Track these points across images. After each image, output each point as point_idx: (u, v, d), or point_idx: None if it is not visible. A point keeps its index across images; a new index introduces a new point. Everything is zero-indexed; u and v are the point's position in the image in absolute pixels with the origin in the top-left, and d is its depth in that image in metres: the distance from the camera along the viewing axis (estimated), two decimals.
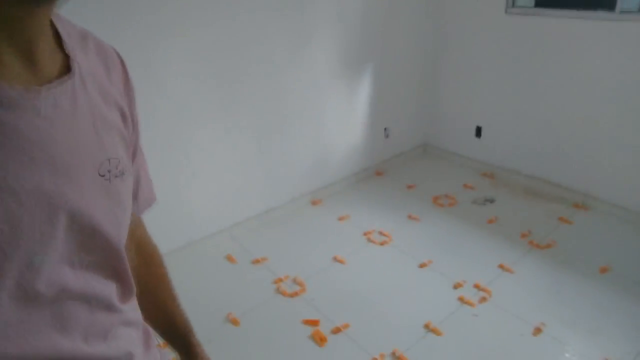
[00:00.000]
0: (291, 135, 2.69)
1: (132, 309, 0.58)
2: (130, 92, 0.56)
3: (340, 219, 2.77)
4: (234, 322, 2.00)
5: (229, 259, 2.42)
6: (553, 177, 2.95)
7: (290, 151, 2.73)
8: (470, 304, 2.07)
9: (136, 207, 0.64)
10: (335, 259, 2.40)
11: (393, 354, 1.83)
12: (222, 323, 2.00)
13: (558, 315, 1.99)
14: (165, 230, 2.30)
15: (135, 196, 0.62)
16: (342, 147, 3.03)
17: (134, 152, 0.59)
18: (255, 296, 2.16)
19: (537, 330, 1.91)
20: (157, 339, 0.68)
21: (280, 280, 2.26)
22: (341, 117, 2.94)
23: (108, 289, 0.51)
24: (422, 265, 2.33)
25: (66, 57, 0.47)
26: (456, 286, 2.18)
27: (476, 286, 2.18)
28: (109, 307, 0.51)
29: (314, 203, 2.94)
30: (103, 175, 0.47)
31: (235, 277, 2.30)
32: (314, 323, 1.99)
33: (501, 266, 2.32)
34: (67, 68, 0.46)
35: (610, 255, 2.36)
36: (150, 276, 0.72)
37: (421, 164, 3.48)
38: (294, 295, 2.16)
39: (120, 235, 0.51)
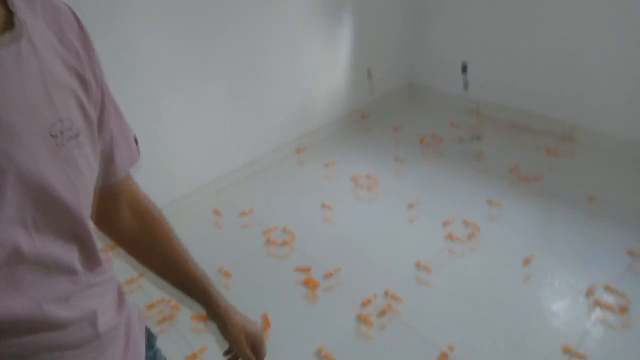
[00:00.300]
0: (270, 82, 2.58)
1: (100, 274, 0.56)
2: (88, 50, 0.53)
3: (327, 165, 2.72)
4: (227, 275, 2.00)
5: (216, 213, 2.39)
6: (540, 110, 2.90)
7: (270, 99, 2.63)
8: (460, 240, 2.09)
9: (114, 168, 0.61)
10: (323, 206, 2.38)
11: (385, 293, 1.85)
12: (215, 277, 1.99)
13: (547, 247, 2.02)
14: (149, 190, 2.24)
15: (111, 158, 0.60)
16: (325, 91, 2.93)
17: (102, 112, 0.56)
18: (246, 248, 2.14)
19: (527, 262, 1.94)
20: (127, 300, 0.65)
21: (270, 230, 2.24)
22: (321, 60, 2.82)
23: (71, 254, 0.50)
24: (410, 206, 2.32)
25: (10, 14, 0.45)
26: (445, 224, 2.19)
27: (465, 222, 2.18)
28: (70, 272, 0.50)
29: (298, 151, 2.88)
30: (55, 136, 0.46)
31: (223, 230, 2.28)
32: (306, 270, 1.99)
33: (490, 202, 2.32)
34: (11, 26, 0.44)
35: (597, 185, 2.37)
36: (152, 234, 0.71)
37: (406, 104, 3.40)
38: (284, 244, 2.15)
39: (78, 199, 0.49)
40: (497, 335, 1.65)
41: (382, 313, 1.77)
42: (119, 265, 2.01)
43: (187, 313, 1.80)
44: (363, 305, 1.81)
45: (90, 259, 0.54)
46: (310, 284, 1.92)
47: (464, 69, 3.16)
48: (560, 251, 1.99)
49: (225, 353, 0.81)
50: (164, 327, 1.77)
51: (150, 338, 0.71)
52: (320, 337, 1.69)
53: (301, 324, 1.76)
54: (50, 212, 0.46)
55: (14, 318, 0.43)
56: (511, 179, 2.48)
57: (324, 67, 2.85)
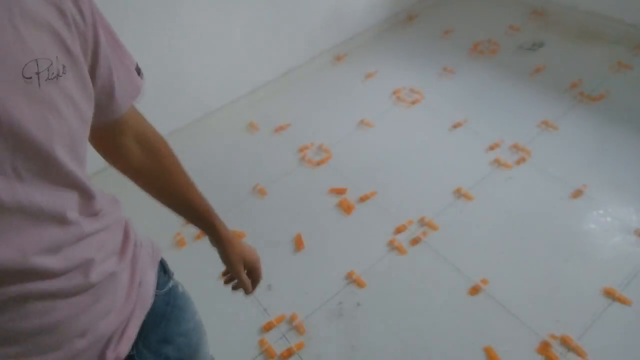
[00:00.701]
0: None
1: (99, 219, 0.56)
2: None
3: (367, 76, 2.53)
4: (261, 193, 1.99)
5: (252, 126, 2.32)
6: (616, 12, 2.49)
7: (306, 2, 2.37)
8: (506, 166, 1.95)
9: (116, 103, 0.59)
10: (362, 122, 2.25)
11: (421, 220, 1.80)
12: (249, 194, 1.99)
13: (602, 177, 1.86)
14: (181, 104, 2.18)
15: (111, 93, 0.57)
16: None
17: (96, 46, 0.52)
18: (280, 165, 2.11)
19: (577, 193, 1.81)
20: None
21: (305, 147, 2.17)
22: None
23: (62, 202, 0.48)
24: (455, 125, 2.16)
25: None
26: (492, 147, 2.04)
27: (514, 146, 2.02)
28: (62, 221, 0.49)
29: (337, 59, 2.68)
30: (29, 78, 0.43)
31: (258, 146, 2.23)
32: (340, 192, 1.95)
33: (544, 122, 2.12)
34: None
35: None
36: (159, 167, 0.72)
37: (461, 3, 3.02)
38: (319, 163, 2.09)
39: (60, 145, 0.46)
40: (535, 272, 1.59)
41: (416, 241, 1.73)
42: None
43: None
44: (397, 231, 1.78)
45: (87, 206, 0.53)
46: (344, 206, 1.89)
47: None
48: (617, 183, 1.83)
49: (224, 273, 0.89)
50: (200, 242, 1.81)
51: (165, 273, 0.74)
52: (351, 261, 1.70)
53: (333, 246, 1.77)
54: (32, 159, 0.44)
55: None
56: (572, 96, 2.22)
57: None
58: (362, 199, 1.91)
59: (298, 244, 1.78)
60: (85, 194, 0.52)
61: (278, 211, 1.92)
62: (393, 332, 1.49)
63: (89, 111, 0.51)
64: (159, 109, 2.10)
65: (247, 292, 0.86)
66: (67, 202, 0.49)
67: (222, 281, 0.90)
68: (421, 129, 2.19)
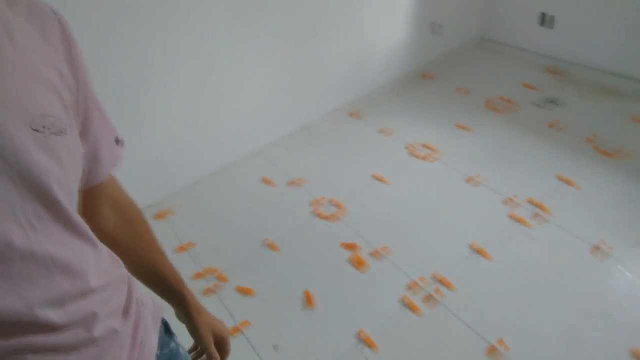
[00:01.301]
0: (324, 38, 2.42)
1: (106, 275, 0.56)
2: (72, 52, 0.53)
3: (382, 131, 2.57)
4: (272, 247, 1.98)
5: (265, 181, 2.36)
6: (631, 70, 2.51)
7: (324, 58, 2.48)
8: (523, 222, 1.91)
9: (99, 170, 0.61)
10: (375, 177, 2.26)
11: (434, 276, 1.75)
12: (260, 247, 1.99)
13: (624, 234, 1.79)
14: (197, 156, 2.25)
15: (96, 159, 0.60)
16: (383, 48, 2.72)
17: (87, 114, 0.55)
18: (293, 219, 2.11)
19: (596, 250, 1.74)
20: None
21: (317, 201, 2.18)
22: (380, 12, 2.59)
23: (68, 251, 0.49)
24: (470, 180, 2.15)
25: None
26: (507, 202, 2.00)
27: (530, 201, 1.99)
28: (71, 273, 0.49)
29: (352, 115, 2.74)
30: (36, 130, 0.45)
31: (272, 199, 2.25)
32: (352, 247, 1.93)
33: (560, 178, 2.08)
34: None
35: None
36: (132, 234, 0.73)
37: (475, 61, 3.10)
38: (331, 217, 2.08)
39: (65, 196, 0.48)
40: (555, 332, 1.51)
41: (429, 298, 1.68)
42: (168, 232, 2.06)
43: (232, 285, 1.83)
44: (409, 287, 1.73)
45: (93, 258, 0.54)
46: (355, 262, 1.86)
47: (543, 20, 2.79)
48: (638, 239, 1.75)
49: (190, 350, 0.85)
50: (208, 299, 1.80)
51: (166, 333, 0.74)
52: (361, 319, 1.65)
53: (343, 303, 1.72)
54: (41, 205, 0.45)
55: (2, 317, 0.43)
56: (587, 151, 2.20)
57: (383, 20, 2.62)
58: (374, 255, 1.88)
59: (307, 300, 1.75)
60: (91, 246, 0.53)
61: (288, 266, 1.90)
62: None
63: (81, 170, 0.53)
64: (174, 163, 2.18)
65: None
66: (75, 253, 0.50)
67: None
68: (435, 184, 2.18)
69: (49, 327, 0.47)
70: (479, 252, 1.81)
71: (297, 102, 2.50)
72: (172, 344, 0.73)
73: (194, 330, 0.78)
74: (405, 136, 2.50)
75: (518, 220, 1.91)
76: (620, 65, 2.54)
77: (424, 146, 2.40)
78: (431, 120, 2.60)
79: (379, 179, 2.25)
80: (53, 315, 0.47)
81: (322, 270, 1.86)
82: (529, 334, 1.52)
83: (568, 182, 2.05)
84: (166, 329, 0.74)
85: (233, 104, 2.24)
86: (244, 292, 1.79)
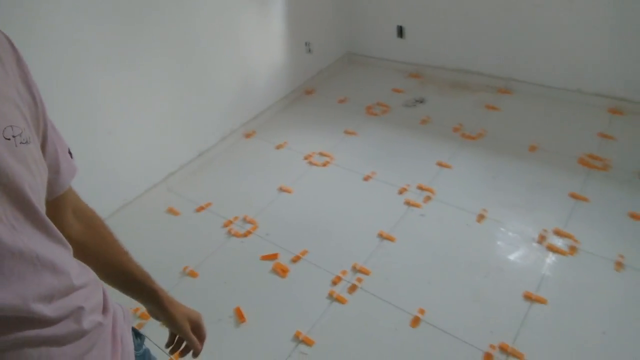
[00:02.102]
0: (209, 68, 2.48)
1: (85, 274, 0.60)
2: (23, 69, 0.56)
3: (278, 147, 2.69)
4: (192, 274, 1.96)
5: (172, 211, 2.31)
6: (477, 67, 2.99)
7: (211, 86, 2.53)
8: (417, 205, 2.15)
9: (60, 180, 0.64)
10: (281, 189, 2.36)
11: (354, 267, 1.89)
12: (180, 277, 1.95)
13: (497, 200, 2.12)
14: (95, 197, 2.12)
15: (57, 170, 0.62)
16: (265, 70, 2.86)
17: (44, 127, 0.58)
18: (209, 243, 2.10)
19: (481, 218, 2.04)
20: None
21: (230, 222, 2.21)
22: (259, 39, 2.73)
23: (49, 250, 0.51)
24: (366, 178, 2.36)
25: None
26: (401, 191, 2.24)
27: (419, 187, 2.25)
28: (55, 270, 0.52)
29: (247, 136, 2.82)
30: (8, 139, 0.48)
31: (183, 228, 2.22)
32: (272, 257, 1.99)
33: (439, 163, 2.39)
34: None
35: (537, 133, 2.51)
36: (96, 238, 0.75)
37: (348, 74, 3.40)
38: (247, 234, 2.13)
39: (30, 194, 0.50)
40: (463, 292, 1.74)
41: (353, 288, 1.81)
42: None
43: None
44: (333, 283, 1.84)
45: (69, 259, 0.56)
46: (278, 270, 1.92)
47: (400, 32, 3.18)
48: (510, 203, 2.10)
49: (167, 345, 0.88)
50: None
51: (138, 338, 0.76)
52: (296, 321, 1.71)
53: (275, 311, 1.77)
54: (18, 208, 0.47)
55: (1, 312, 0.45)
56: (456, 138, 2.56)
57: (261, 45, 2.77)
58: (295, 260, 1.96)
59: (239, 316, 1.76)
60: (65, 249, 0.56)
61: (213, 288, 1.89)
62: None
63: (46, 179, 0.56)
64: None
65: (196, 350, 0.86)
66: (54, 252, 0.53)
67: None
68: (337, 186, 2.35)
69: (44, 321, 0.50)
70: (387, 238, 2.00)
71: (191, 130, 2.51)
72: (144, 347, 0.76)
73: (171, 321, 0.80)
74: (301, 148, 2.64)
75: (413, 205, 2.15)
76: (468, 64, 3.01)
77: (320, 154, 2.57)
78: (321, 130, 2.80)
79: (286, 191, 2.35)
80: (46, 309, 0.49)
81: (248, 285, 1.89)
82: (442, 299, 1.72)
83: (446, 166, 2.37)
84: (136, 333, 0.76)
85: (123, 140, 2.18)
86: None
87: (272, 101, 2.99)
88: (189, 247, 2.10)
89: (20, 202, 0.48)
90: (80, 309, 0.56)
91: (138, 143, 2.25)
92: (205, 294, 1.87)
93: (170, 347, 0.88)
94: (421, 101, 2.95)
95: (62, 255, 0.54)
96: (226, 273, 1.96)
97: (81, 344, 0.55)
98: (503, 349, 1.52)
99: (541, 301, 1.66)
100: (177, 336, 0.86)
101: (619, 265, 1.75)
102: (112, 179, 2.18)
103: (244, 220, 2.21)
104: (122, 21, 1.99)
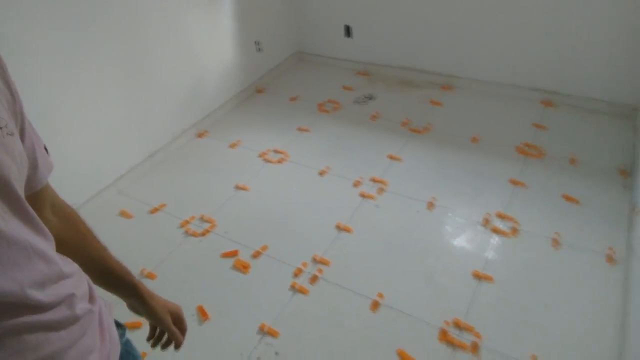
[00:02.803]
0: (157, 68, 2.44)
1: (67, 263, 0.61)
2: (1, 66, 0.56)
3: (233, 145, 2.69)
4: (150, 276, 1.93)
5: (124, 214, 2.26)
6: (421, 65, 3.14)
7: (160, 87, 2.49)
8: (371, 197, 2.24)
9: (39, 175, 0.64)
10: (237, 187, 2.37)
11: (314, 259, 1.94)
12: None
13: (444, 188, 2.25)
14: None
15: (36, 165, 0.62)
16: (215, 69, 2.85)
17: (22, 122, 0.58)
18: (166, 244, 2.08)
19: (430, 205, 2.16)
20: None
21: (187, 222, 2.19)
22: (208, 38, 2.72)
23: (38, 239, 0.53)
24: (321, 173, 2.42)
25: None
26: (356, 184, 2.32)
27: (373, 180, 2.34)
28: (46, 258, 0.53)
29: (200, 136, 2.80)
30: None
31: (137, 231, 2.17)
32: (232, 254, 2.00)
33: (390, 156, 2.50)
34: None
35: (478, 125, 2.67)
36: (74, 233, 0.74)
37: (298, 73, 3.45)
38: (205, 233, 2.12)
39: (16, 184, 0.51)
40: (417, 275, 1.84)
41: (314, 279, 1.86)
42: None
43: None
44: (295, 275, 1.88)
45: (54, 249, 0.58)
46: (239, 266, 1.94)
47: (348, 32, 3.27)
48: (456, 190, 2.23)
49: (148, 338, 0.89)
50: None
51: (119, 328, 0.77)
52: (260, 315, 1.74)
53: (239, 306, 1.79)
54: (9, 201, 0.48)
55: (0, 297, 0.46)
56: (404, 132, 2.68)
57: (211, 44, 2.76)
58: (255, 255, 1.99)
59: (202, 314, 1.76)
60: (49, 240, 0.56)
61: (173, 289, 1.87)
62: None
63: (26, 172, 0.56)
64: None
65: (178, 342, 0.87)
66: (42, 241, 0.54)
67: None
68: (293, 181, 2.40)
69: (40, 307, 0.51)
70: (344, 229, 2.07)
71: (141, 132, 2.46)
72: (126, 335, 0.77)
73: (152, 314, 0.81)
74: (256, 146, 2.66)
75: (367, 197, 2.24)
76: (413, 62, 3.15)
77: (275, 151, 2.61)
78: (274, 128, 2.83)
79: (242, 188, 2.36)
80: (40, 295, 0.51)
81: (209, 283, 1.89)
82: (398, 283, 1.81)
83: (397, 159, 2.47)
84: (117, 324, 0.76)
85: (69, 143, 2.11)
86: (134, 327, 1.71)
87: (223, 100, 2.98)
88: (145, 249, 2.06)
89: (7, 194, 0.49)
90: (72, 295, 0.57)
91: (85, 146, 2.18)
92: (164, 294, 1.82)
93: (152, 341, 0.88)
94: (370, 98, 3.06)
95: (48, 245, 0.56)
96: (186, 273, 1.95)
97: (75, 330, 0.57)
98: (456, 324, 1.63)
99: (488, 279, 1.79)
100: (158, 330, 0.87)
101: (556, 242, 1.92)
102: (57, 183, 2.10)
103: (201, 219, 2.20)
104: (69, 24, 1.93)
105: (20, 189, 0.51)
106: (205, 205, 2.27)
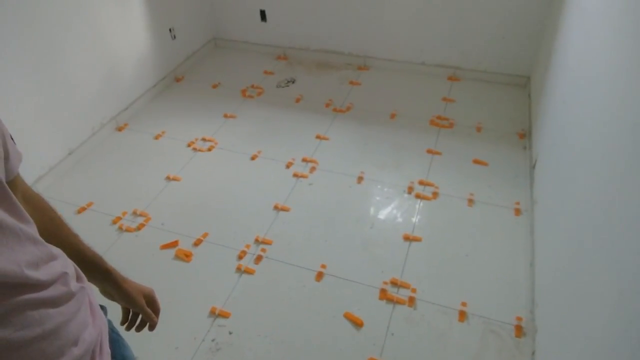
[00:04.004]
0: (68, 62, 2.30)
1: (53, 246, 0.63)
2: None
3: (158, 137, 2.63)
4: None
5: None
6: (337, 47, 3.26)
7: (72, 81, 2.36)
8: (304, 176, 2.33)
9: (10, 165, 0.66)
10: (169, 178, 2.34)
11: (256, 240, 2.00)
12: None
13: (370, 162, 2.41)
14: None
15: (7, 155, 0.63)
16: (130, 60, 2.74)
17: None
18: (100, 242, 2.01)
19: (360, 179, 2.30)
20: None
21: (119, 218, 2.13)
22: (120, 28, 2.60)
23: (25, 224, 0.55)
24: (253, 157, 2.46)
25: None
26: (288, 165, 2.40)
27: (304, 160, 2.43)
28: (35, 241, 0.56)
29: (120, 129, 2.70)
30: None
31: None
32: (173, 245, 2.00)
33: (318, 136, 2.60)
34: None
35: (394, 102, 2.86)
36: (46, 221, 0.76)
37: (217, 59, 3.41)
38: (140, 227, 2.08)
39: (3, 179, 0.54)
40: (354, 243, 1.98)
41: (259, 259, 1.92)
42: None
43: None
44: (239, 257, 1.93)
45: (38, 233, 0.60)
46: (181, 256, 1.94)
47: (263, 16, 3.29)
48: (381, 163, 2.40)
49: (122, 322, 0.91)
50: None
51: (101, 309, 0.79)
52: (209, 299, 1.78)
53: (187, 294, 1.81)
54: None
55: (2, 278, 0.49)
56: (328, 112, 2.80)
57: (123, 32, 2.64)
58: (197, 244, 2.00)
59: None
60: (32, 224, 0.58)
61: None
62: (271, 340, 1.63)
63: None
64: None
65: (153, 323, 0.90)
66: (28, 226, 0.56)
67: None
68: (225, 167, 2.41)
69: (38, 285, 0.54)
70: (282, 209, 2.15)
71: (57, 127, 2.32)
72: (106, 317, 0.79)
73: (126, 297, 0.83)
74: (182, 136, 2.63)
75: (301, 176, 2.33)
76: (328, 44, 3.26)
77: (203, 140, 2.59)
78: (199, 116, 2.80)
79: (174, 179, 2.34)
80: (38, 274, 0.54)
81: (152, 275, 1.88)
82: (338, 253, 1.94)
83: (324, 138, 2.59)
84: (99, 305, 0.78)
85: None
86: None
87: (141, 91, 2.88)
88: None
89: None
90: (65, 274, 0.60)
91: None
92: None
93: (126, 324, 0.90)
94: (292, 81, 3.13)
95: (34, 229, 0.58)
96: (126, 268, 1.87)
97: (72, 305, 0.60)
98: (394, 283, 1.79)
99: (417, 239, 1.97)
100: (132, 313, 0.89)
101: (470, 201, 2.16)
102: None
103: (134, 214, 2.15)
104: None
105: (2, 178, 0.53)
106: (137, 199, 2.22)
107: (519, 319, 1.66)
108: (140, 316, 0.89)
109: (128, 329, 0.90)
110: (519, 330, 1.62)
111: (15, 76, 2.05)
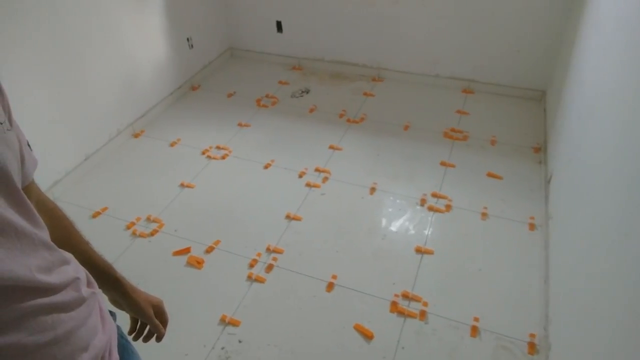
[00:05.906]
0: (87, 69, 2.35)
1: (64, 252, 0.63)
2: None
3: (173, 144, 2.67)
4: None
5: None
6: (351, 58, 3.28)
7: (91, 87, 2.40)
8: (317, 186, 2.34)
9: (27, 170, 0.66)
10: (183, 185, 2.36)
11: (268, 249, 2.00)
12: None
13: (383, 173, 2.41)
14: None
15: (23, 161, 0.63)
16: (148, 68, 2.79)
17: (10, 117, 0.60)
18: (113, 247, 2.04)
19: (372, 190, 2.30)
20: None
21: (133, 223, 2.15)
22: (139, 36, 2.65)
23: (38, 229, 0.56)
24: (266, 166, 2.48)
25: None
26: (301, 175, 2.41)
27: (317, 169, 2.44)
28: (47, 246, 0.57)
29: (135, 136, 2.74)
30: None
31: None
32: (185, 251, 2.01)
33: (331, 147, 2.61)
34: None
35: (408, 114, 2.86)
36: (59, 228, 0.76)
37: (232, 69, 3.46)
38: (153, 233, 2.10)
39: (15, 177, 0.53)
40: (366, 254, 1.97)
41: (270, 267, 1.93)
42: None
43: None
44: (250, 266, 1.94)
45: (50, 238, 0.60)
46: (193, 262, 1.96)
47: (280, 27, 3.33)
48: (394, 174, 2.40)
49: (130, 332, 0.91)
50: None
51: (111, 314, 0.79)
52: (220, 307, 1.78)
53: (197, 301, 1.81)
54: (10, 194, 0.51)
55: (14, 282, 0.49)
56: (342, 123, 2.81)
57: (142, 41, 2.69)
58: (209, 251, 2.01)
59: None
60: (45, 229, 0.59)
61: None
62: (280, 350, 1.63)
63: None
64: None
65: (160, 334, 0.89)
66: (41, 231, 0.56)
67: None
68: (239, 176, 2.43)
69: (50, 289, 0.55)
70: (294, 218, 2.15)
71: (74, 134, 2.36)
72: (115, 323, 0.79)
73: (135, 307, 0.83)
74: (197, 143, 2.66)
75: (313, 186, 2.34)
76: (343, 56, 3.28)
77: (218, 148, 2.62)
78: (214, 124, 2.83)
79: (188, 186, 2.36)
80: (49, 279, 0.55)
81: (164, 281, 1.89)
82: (349, 263, 1.93)
83: (337, 148, 2.60)
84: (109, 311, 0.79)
85: None
86: None
87: (158, 99, 2.93)
88: None
89: (10, 188, 0.52)
90: (77, 279, 0.61)
91: None
92: None
93: (134, 334, 0.90)
94: (307, 91, 3.15)
95: (46, 235, 0.59)
96: (139, 274, 1.93)
97: (83, 310, 0.60)
98: (405, 296, 1.78)
99: (429, 252, 1.96)
100: (140, 323, 0.89)
101: (484, 215, 2.14)
102: None
103: (148, 220, 2.17)
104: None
105: (19, 183, 0.54)
106: (151, 206, 2.24)
107: (532, 335, 1.63)
108: (148, 326, 0.89)
109: (136, 339, 0.90)
110: (532, 347, 1.60)
111: (36, 84, 2.09)
